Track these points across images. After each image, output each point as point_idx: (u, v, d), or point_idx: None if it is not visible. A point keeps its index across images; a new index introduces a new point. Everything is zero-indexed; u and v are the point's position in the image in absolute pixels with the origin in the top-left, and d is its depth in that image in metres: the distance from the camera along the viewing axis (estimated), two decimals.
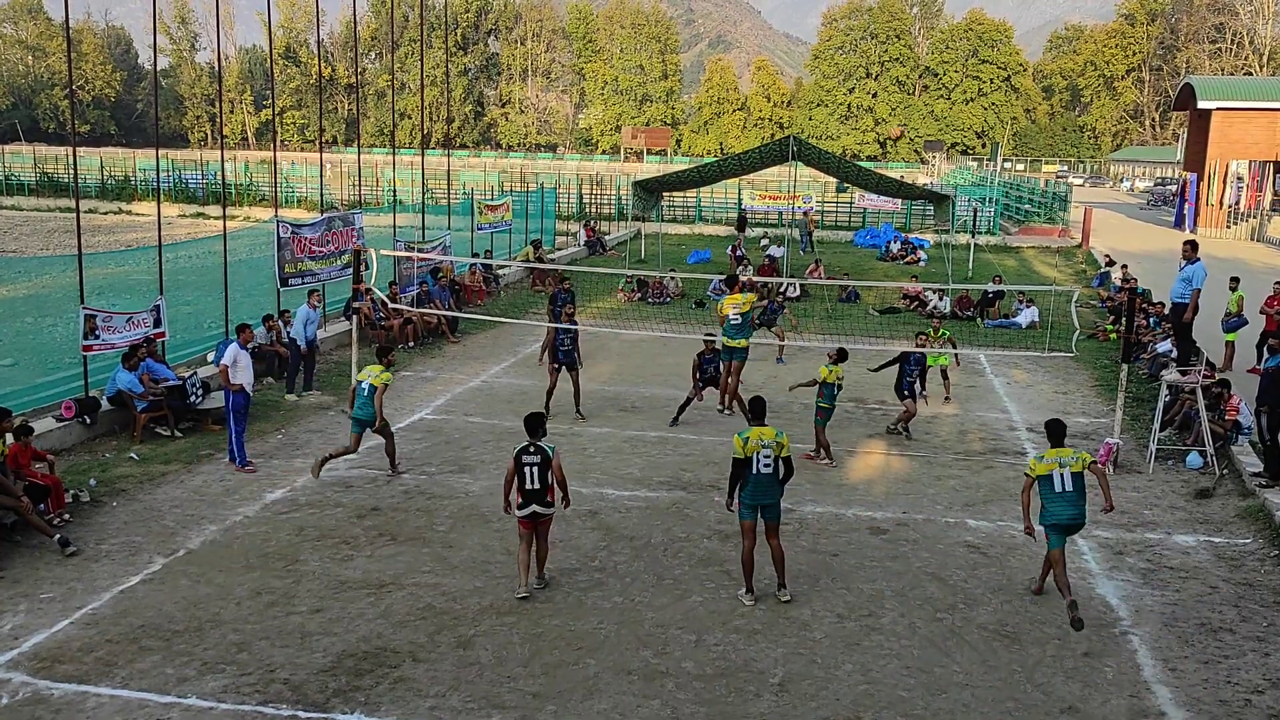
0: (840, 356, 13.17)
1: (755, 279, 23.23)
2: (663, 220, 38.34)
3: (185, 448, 13.03)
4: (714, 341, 14.70)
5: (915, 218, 42.58)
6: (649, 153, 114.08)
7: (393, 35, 79.19)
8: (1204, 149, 44.93)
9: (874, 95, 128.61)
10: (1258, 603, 9.26)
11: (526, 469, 8.92)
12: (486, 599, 8.96)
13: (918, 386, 14.29)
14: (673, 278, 26.33)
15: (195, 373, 14.65)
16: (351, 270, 16.04)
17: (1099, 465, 9.17)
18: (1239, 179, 44.33)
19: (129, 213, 45.64)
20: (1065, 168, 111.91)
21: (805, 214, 40.34)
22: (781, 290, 23.55)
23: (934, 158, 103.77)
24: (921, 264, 33.84)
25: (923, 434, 14.49)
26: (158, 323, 14.83)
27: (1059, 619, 8.85)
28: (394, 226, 23.38)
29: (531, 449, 8.97)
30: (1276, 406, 12.19)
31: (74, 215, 14.67)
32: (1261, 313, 17.96)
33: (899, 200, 39.23)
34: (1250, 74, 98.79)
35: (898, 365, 14.31)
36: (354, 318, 16.10)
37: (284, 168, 57.35)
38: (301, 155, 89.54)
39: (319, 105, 31.93)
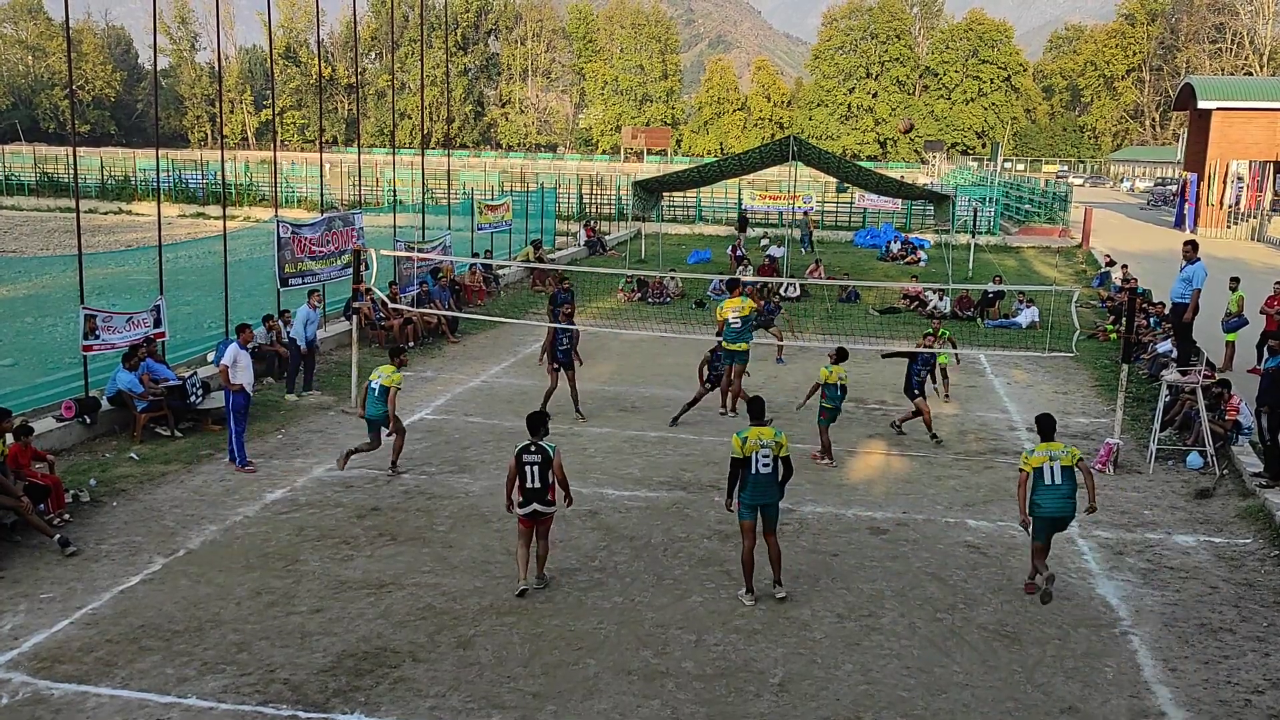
0: (840, 356, 13.17)
1: (753, 279, 23.26)
2: (663, 220, 38.35)
3: (185, 448, 13.03)
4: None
5: (915, 218, 42.58)
6: (649, 153, 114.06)
7: (393, 35, 79.21)
8: (1204, 149, 44.92)
9: (874, 95, 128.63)
10: (1258, 603, 9.26)
11: (527, 468, 8.93)
12: (486, 599, 8.96)
13: (927, 386, 14.28)
14: (673, 278, 26.33)
15: (195, 373, 14.65)
16: (351, 270, 16.05)
17: (1085, 463, 9.30)
18: (1239, 179, 44.33)
19: (129, 213, 45.64)
20: (1065, 168, 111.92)
21: (805, 214, 40.35)
22: (778, 290, 23.54)
23: (934, 158, 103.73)
24: (922, 264, 33.85)
25: (923, 434, 14.47)
26: (158, 323, 14.83)
27: (1059, 619, 8.86)
28: (394, 226, 23.38)
29: (533, 448, 8.98)
30: (1277, 407, 12.18)
31: (74, 215, 14.67)
32: (1261, 313, 17.95)
33: (899, 200, 39.22)
34: (1250, 74, 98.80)
35: (905, 365, 14.30)
36: (354, 318, 16.12)
37: (284, 168, 57.35)
38: (301, 155, 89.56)
39: (319, 105, 31.93)
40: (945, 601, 9.17)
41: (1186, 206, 46.80)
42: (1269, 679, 7.95)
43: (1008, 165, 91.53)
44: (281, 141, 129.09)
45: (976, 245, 33.89)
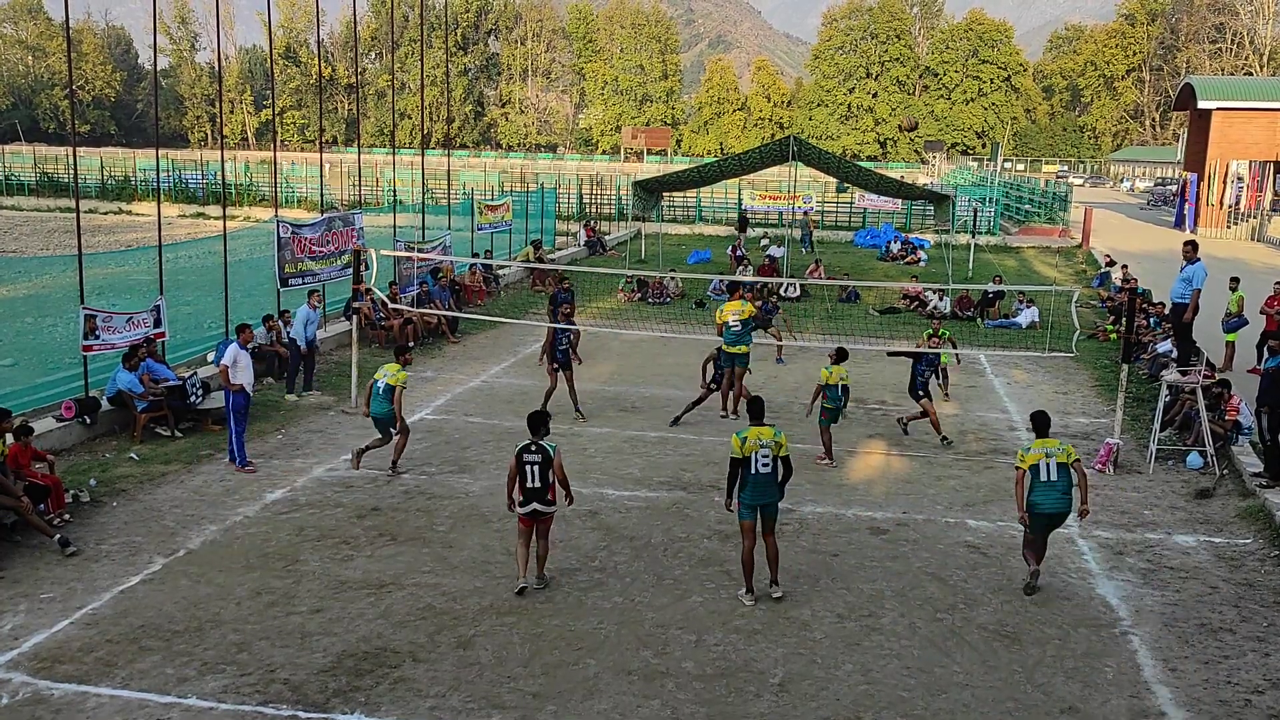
0: (839, 357, 13.17)
1: (753, 279, 23.26)
2: (663, 220, 38.35)
3: (185, 448, 13.03)
4: None
5: (915, 218, 42.58)
6: (649, 153, 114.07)
7: (393, 35, 79.20)
8: (1204, 149, 44.92)
9: (874, 95, 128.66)
10: (1258, 603, 9.26)
11: (528, 467, 8.94)
12: (486, 599, 8.97)
13: (932, 386, 14.26)
14: (673, 278, 26.33)
15: (195, 373, 14.65)
16: (351, 270, 16.05)
17: (1081, 464, 9.38)
18: (1239, 179, 44.33)
19: (129, 213, 45.64)
20: (1065, 168, 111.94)
21: (805, 214, 40.36)
22: (776, 290, 23.53)
23: (934, 158, 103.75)
24: (922, 264, 33.85)
25: (923, 434, 14.48)
26: (158, 323, 14.83)
27: (1059, 619, 8.87)
28: (394, 226, 23.38)
29: (533, 447, 8.99)
30: (1277, 407, 12.18)
31: (74, 215, 14.68)
32: (1261, 313, 17.95)
33: (899, 200, 39.23)
34: (1250, 74, 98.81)
35: (908, 365, 14.29)
36: (354, 318, 16.12)
37: (284, 168, 57.36)
38: (301, 155, 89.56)
39: (319, 105, 31.93)
40: (945, 601, 9.17)
41: (1186, 206, 46.81)
42: (1269, 679, 7.95)
43: (1008, 165, 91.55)
44: (281, 141, 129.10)
45: (976, 245, 33.90)
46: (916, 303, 24.61)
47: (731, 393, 14.68)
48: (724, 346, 14.41)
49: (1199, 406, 13.10)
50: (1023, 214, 48.75)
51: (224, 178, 23.50)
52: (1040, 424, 9.62)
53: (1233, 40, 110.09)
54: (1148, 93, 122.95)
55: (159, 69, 56.15)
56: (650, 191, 31.91)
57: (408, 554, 9.89)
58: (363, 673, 7.71)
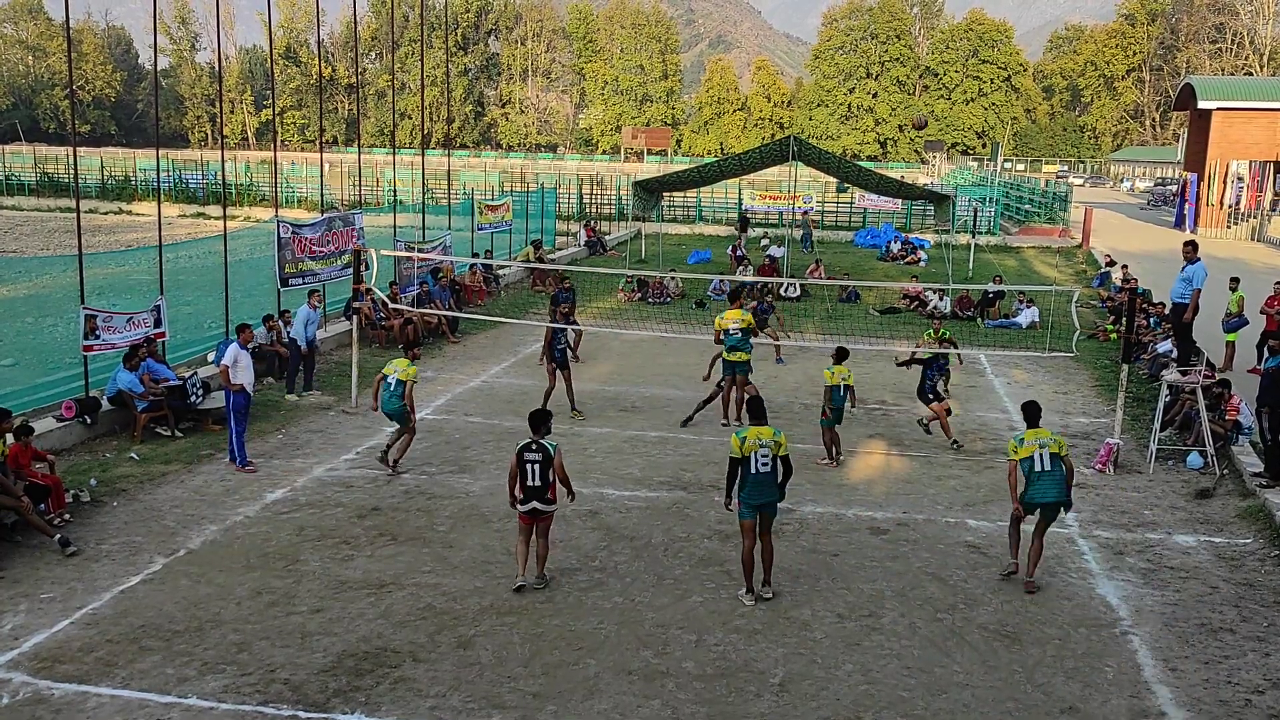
0: (840, 356, 13.16)
1: (752, 279, 23.26)
2: (663, 220, 38.35)
3: (185, 448, 13.04)
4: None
5: (915, 218, 42.59)
6: (649, 153, 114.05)
7: (393, 35, 79.21)
8: (1204, 149, 44.93)
9: (874, 95, 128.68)
10: (1258, 603, 9.26)
11: (528, 466, 8.95)
12: (487, 599, 8.97)
13: (940, 388, 14.23)
14: (673, 278, 26.33)
15: (195, 373, 14.65)
16: (352, 270, 16.05)
17: (1070, 458, 9.52)
18: (1239, 179, 44.33)
19: (129, 213, 45.66)
20: (1065, 168, 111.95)
21: (805, 214, 40.37)
22: (772, 290, 23.52)
23: (934, 158, 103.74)
24: (922, 264, 33.85)
25: (923, 434, 14.49)
26: (158, 323, 14.83)
27: (1059, 619, 8.87)
28: (394, 226, 23.38)
29: (534, 446, 9.00)
30: (1277, 407, 12.20)
31: (74, 215, 14.68)
32: (1262, 313, 17.95)
33: (899, 200, 39.24)
34: (1250, 74, 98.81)
35: (920, 369, 14.25)
36: (354, 318, 16.12)
37: (284, 168, 57.36)
38: (302, 155, 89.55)
39: (319, 105, 31.93)
40: (945, 601, 9.17)
41: (1186, 206, 46.81)
42: (1269, 679, 7.95)
43: (1008, 165, 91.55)
44: (282, 141, 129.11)
45: (976, 245, 33.91)
46: (917, 303, 24.61)
47: (734, 400, 14.50)
48: (724, 354, 14.28)
49: (1199, 406, 13.10)
50: (1023, 214, 48.76)
51: (224, 178, 23.50)
52: (1031, 414, 9.74)
53: (1233, 40, 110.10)
54: (1148, 93, 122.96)
55: (159, 69, 56.14)
56: (650, 191, 31.91)
57: (408, 554, 9.89)
58: (363, 673, 7.71)
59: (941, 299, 23.87)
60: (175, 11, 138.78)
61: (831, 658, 8.12)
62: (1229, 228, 43.26)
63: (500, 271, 26.64)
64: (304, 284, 18.08)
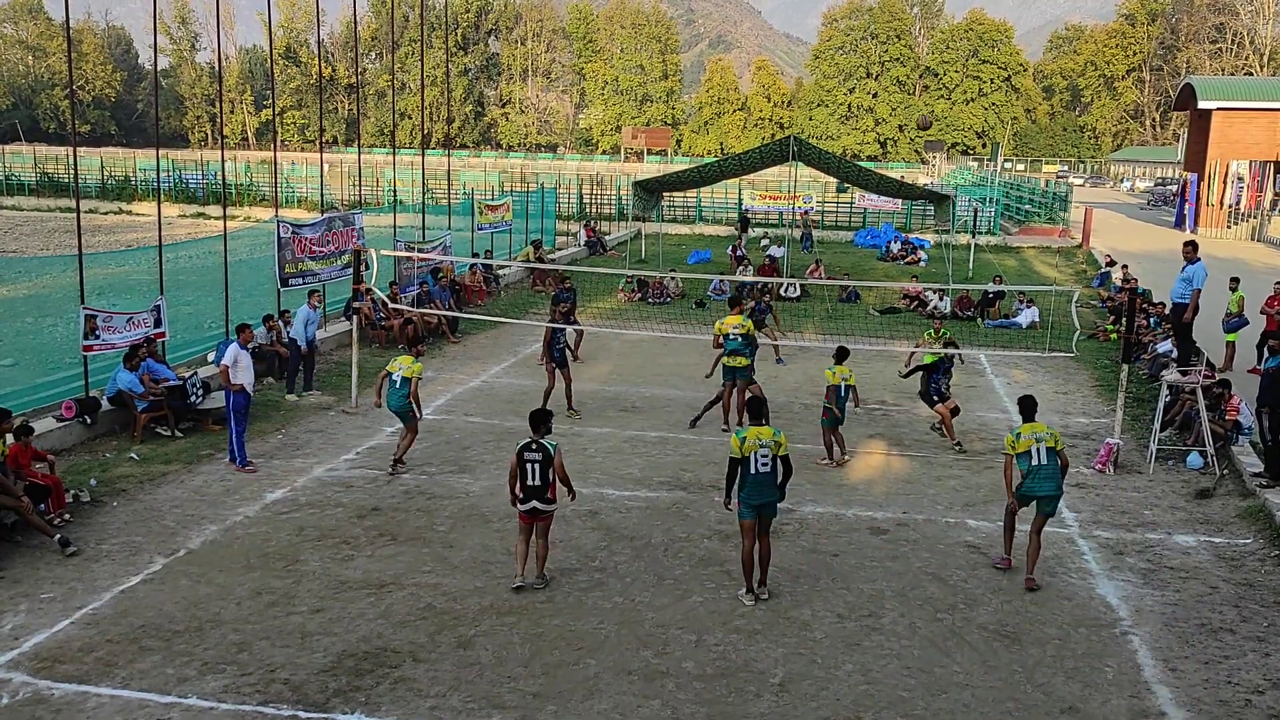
0: (840, 356, 13.15)
1: (750, 279, 23.25)
2: (663, 220, 38.35)
3: (186, 448, 13.04)
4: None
5: (915, 218, 42.59)
6: (649, 153, 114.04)
7: (393, 35, 79.23)
8: (1204, 149, 44.92)
9: (874, 95, 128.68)
10: (1258, 603, 9.27)
11: (528, 465, 8.96)
12: (487, 599, 8.97)
13: (943, 388, 14.21)
14: (673, 278, 26.33)
15: (195, 373, 14.65)
16: (352, 270, 16.06)
17: (1065, 453, 9.68)
18: (1239, 179, 44.33)
19: (129, 213, 45.66)
20: (1065, 168, 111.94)
21: (805, 214, 40.36)
22: (771, 290, 23.51)
23: (934, 158, 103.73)
24: (922, 264, 33.85)
25: (923, 434, 14.49)
26: (158, 323, 14.83)
27: (1059, 619, 8.87)
28: (394, 226, 23.38)
29: (534, 446, 9.00)
30: (1277, 407, 12.19)
31: (74, 215, 14.68)
32: (1262, 313, 17.96)
33: (899, 200, 39.24)
34: (1251, 74, 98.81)
35: (924, 373, 14.23)
36: (354, 318, 16.12)
37: (284, 168, 57.37)
38: (302, 155, 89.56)
39: (319, 105, 31.93)
40: (945, 601, 9.17)
41: (1187, 206, 46.81)
42: (1269, 679, 7.95)
43: (1008, 165, 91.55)
44: (282, 141, 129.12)
45: (977, 245, 33.91)
46: (917, 303, 24.61)
47: (734, 405, 14.41)
48: (724, 360, 14.21)
49: (1199, 406, 13.10)
50: (1023, 214, 48.76)
51: (224, 178, 23.50)
52: (1027, 408, 9.88)
53: (1233, 40, 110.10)
54: (1148, 93, 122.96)
55: (159, 69, 56.16)
56: (650, 191, 31.91)
57: (408, 554, 9.89)
58: (363, 673, 7.71)
59: (941, 299, 23.88)
60: (175, 11, 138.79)
61: (831, 658, 8.12)
62: (1229, 228, 43.26)
63: (500, 271, 26.64)
64: (304, 284, 18.08)
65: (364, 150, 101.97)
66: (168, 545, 9.94)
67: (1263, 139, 43.69)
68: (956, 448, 13.79)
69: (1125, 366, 13.45)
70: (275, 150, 23.69)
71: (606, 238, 36.80)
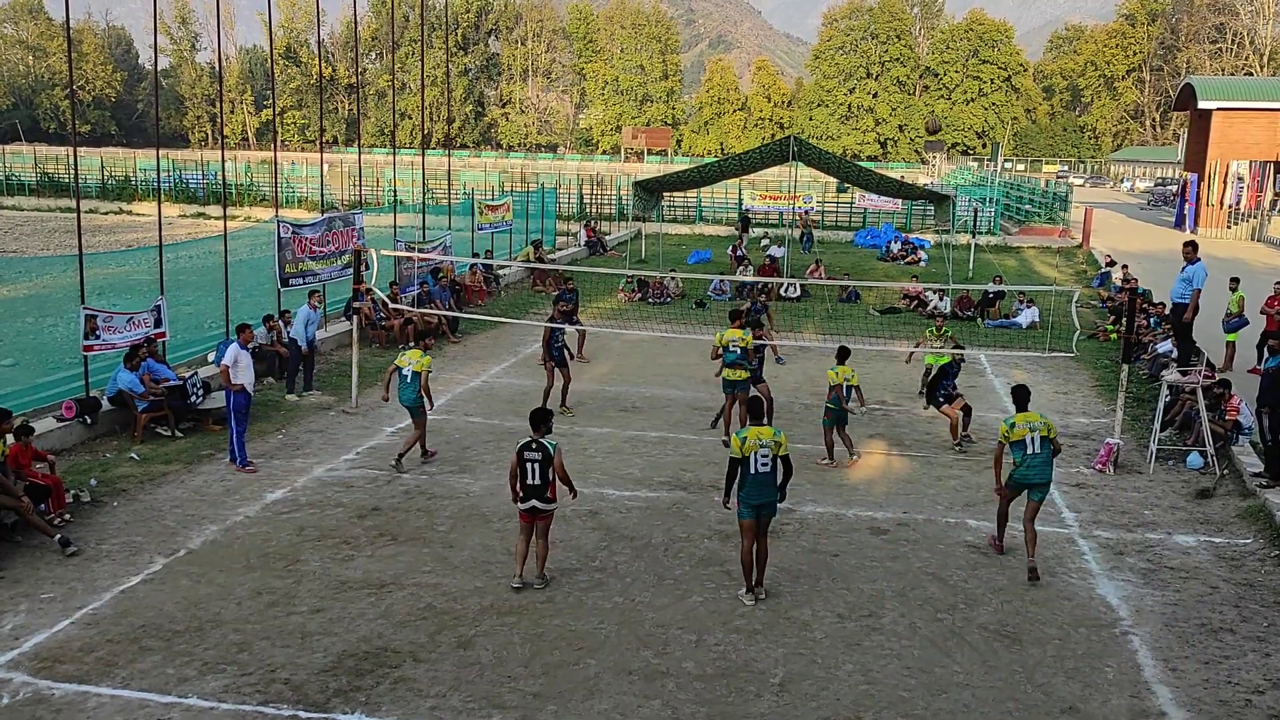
0: (841, 356, 13.14)
1: (750, 279, 23.25)
2: (663, 220, 38.36)
3: (186, 448, 13.04)
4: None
5: (916, 218, 42.59)
6: (649, 153, 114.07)
7: (393, 35, 79.23)
8: (1204, 149, 44.92)
9: (874, 95, 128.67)
10: (1258, 603, 9.27)
11: (528, 464, 8.97)
12: (487, 599, 8.97)
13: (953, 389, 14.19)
14: (673, 278, 26.33)
15: (196, 373, 14.66)
16: (352, 270, 16.05)
17: (1059, 442, 10.00)
18: (1239, 179, 44.32)
19: (129, 213, 45.66)
20: (1065, 168, 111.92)
21: (805, 214, 40.36)
22: (770, 291, 23.52)
23: (934, 158, 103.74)
24: (922, 264, 33.85)
25: (923, 434, 14.50)
26: (158, 323, 14.83)
27: (1059, 619, 8.87)
28: (394, 226, 23.38)
29: (533, 445, 9.01)
30: (1277, 407, 12.19)
31: (74, 215, 14.68)
32: (1262, 313, 17.96)
33: (899, 200, 39.24)
34: (1251, 74, 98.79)
35: (920, 370, 14.22)
36: (354, 318, 16.12)
37: (284, 168, 57.37)
38: (302, 155, 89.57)
39: (319, 105, 31.93)
40: (946, 601, 9.17)
41: (1187, 207, 46.80)
42: (1269, 679, 7.95)
43: (1008, 165, 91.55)
44: (282, 141, 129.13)
45: (977, 245, 33.90)
46: (917, 303, 24.61)
47: (735, 416, 14.30)
48: (725, 373, 14.12)
49: (1199, 406, 13.10)
50: (1023, 214, 48.76)
51: (224, 178, 23.50)
52: (1021, 398, 10.11)
53: (1233, 40, 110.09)
54: (1148, 93, 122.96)
55: (159, 69, 56.17)
56: (650, 191, 31.92)
57: (408, 554, 9.90)
58: (363, 673, 7.72)
59: (941, 299, 23.87)
60: (175, 11, 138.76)
61: (831, 658, 8.12)
62: (1229, 228, 43.26)
63: (500, 271, 26.64)
64: (304, 284, 18.09)
65: (364, 150, 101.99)
66: (168, 545, 9.95)
67: (1263, 139, 43.69)
68: (957, 448, 13.80)
69: (1125, 366, 13.45)
70: (275, 150, 23.69)
71: (607, 238, 36.80)
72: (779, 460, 8.98)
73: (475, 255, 26.21)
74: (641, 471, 12.56)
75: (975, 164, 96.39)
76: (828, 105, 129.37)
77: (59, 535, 9.80)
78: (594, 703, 7.40)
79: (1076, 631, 8.65)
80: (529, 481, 8.98)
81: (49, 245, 33.48)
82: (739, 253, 29.89)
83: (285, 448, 13.21)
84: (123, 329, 14.10)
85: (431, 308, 20.58)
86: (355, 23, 29.24)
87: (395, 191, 33.60)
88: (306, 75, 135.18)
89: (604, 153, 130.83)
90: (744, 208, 41.81)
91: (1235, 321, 18.16)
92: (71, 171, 26.85)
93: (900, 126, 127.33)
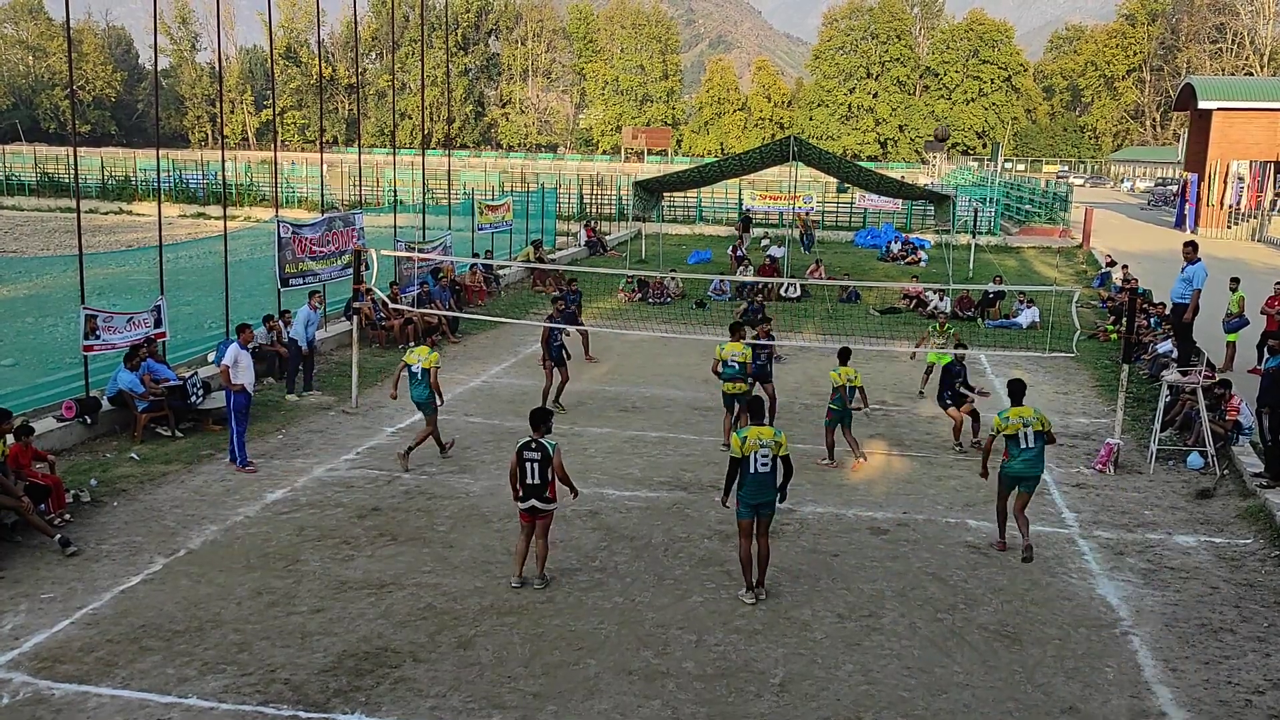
0: (843, 356, 13.13)
1: (750, 279, 23.26)
2: (663, 220, 38.35)
3: (186, 448, 13.04)
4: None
5: (916, 218, 42.58)
6: (649, 153, 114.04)
7: (393, 35, 79.25)
8: (1205, 149, 44.91)
9: (874, 95, 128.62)
10: (1258, 603, 9.26)
11: (527, 464, 8.98)
12: (487, 599, 8.97)
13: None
14: (673, 278, 26.33)
15: (196, 373, 14.66)
16: (352, 270, 16.05)
17: (1054, 434, 10.26)
18: (1240, 179, 44.32)
19: (129, 213, 45.66)
20: (1066, 168, 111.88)
21: (805, 214, 40.35)
22: (763, 290, 23.51)
23: (934, 158, 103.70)
24: (922, 264, 33.85)
25: (923, 434, 14.49)
26: (158, 323, 14.83)
27: (1059, 619, 8.87)
28: (394, 227, 23.38)
29: (533, 444, 9.01)
30: (1277, 407, 12.19)
31: (75, 215, 14.68)
32: (1262, 313, 17.95)
33: (899, 200, 39.23)
34: (1251, 74, 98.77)
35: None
36: (354, 318, 16.12)
37: (284, 168, 57.35)
38: (302, 155, 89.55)
39: (319, 105, 31.93)
40: (946, 602, 9.17)
41: (1187, 207, 46.79)
42: (1269, 679, 7.95)
43: (1008, 165, 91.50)
44: (282, 142, 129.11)
45: (977, 245, 33.89)
46: (917, 303, 24.61)
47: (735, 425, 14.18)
48: (724, 386, 14.05)
49: (1199, 406, 13.10)
50: (1023, 214, 48.74)
51: (224, 178, 23.51)
52: (1016, 392, 10.31)
53: (1233, 40, 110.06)
54: (1148, 93, 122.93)
55: (159, 69, 56.17)
56: (651, 191, 31.91)
57: (408, 554, 9.89)
58: (363, 673, 7.71)
59: (942, 299, 23.87)
60: (175, 11, 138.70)
61: (831, 658, 8.12)
62: (1229, 228, 43.25)
63: (500, 272, 26.64)
64: (304, 284, 18.09)
65: (364, 150, 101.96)
66: (168, 545, 9.95)
67: (1263, 139, 43.68)
68: (957, 449, 13.80)
69: (1125, 366, 13.45)
70: (275, 150, 23.69)
71: (607, 238, 36.80)
72: (779, 460, 8.98)
73: (475, 255, 26.21)
74: (641, 471, 12.56)
75: (975, 164, 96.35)
76: (828, 105, 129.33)
77: (59, 535, 9.81)
78: (594, 703, 7.40)
79: (1076, 631, 8.65)
80: (528, 481, 8.99)
81: (49, 245, 33.48)
82: (739, 253, 29.88)
83: (285, 448, 13.21)
84: (123, 329, 14.10)
85: (431, 308, 20.58)
86: (355, 23, 29.24)
87: (395, 191, 33.58)
88: (306, 75, 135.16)
89: (604, 153, 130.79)
90: (745, 208, 41.81)
91: (1235, 322, 18.16)
92: (71, 171, 26.85)
93: (900, 126, 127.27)
